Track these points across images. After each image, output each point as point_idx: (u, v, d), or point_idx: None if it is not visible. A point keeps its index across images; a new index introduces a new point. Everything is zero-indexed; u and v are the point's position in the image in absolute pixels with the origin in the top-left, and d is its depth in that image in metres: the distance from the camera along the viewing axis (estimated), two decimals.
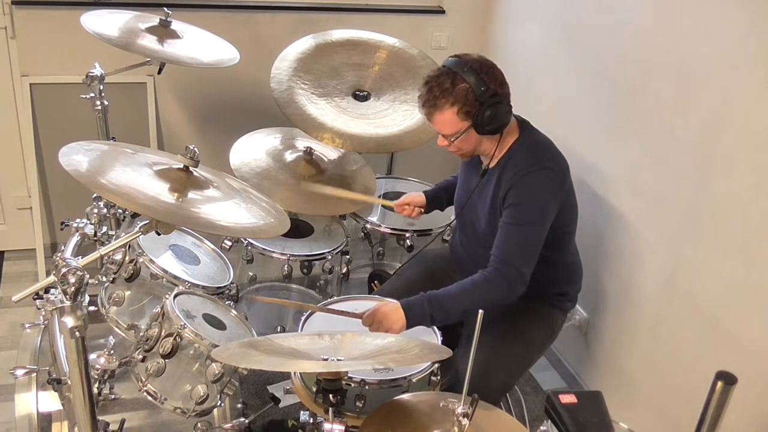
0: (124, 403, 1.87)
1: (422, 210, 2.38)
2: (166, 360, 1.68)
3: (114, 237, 2.12)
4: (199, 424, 1.77)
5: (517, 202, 1.90)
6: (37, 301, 1.76)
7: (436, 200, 2.39)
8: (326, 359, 1.46)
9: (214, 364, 1.67)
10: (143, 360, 1.70)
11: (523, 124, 2.03)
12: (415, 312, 1.85)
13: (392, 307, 1.85)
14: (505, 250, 1.89)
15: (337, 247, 2.47)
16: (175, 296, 1.78)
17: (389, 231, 2.52)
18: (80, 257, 1.40)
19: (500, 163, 1.99)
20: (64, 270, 1.26)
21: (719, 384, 1.09)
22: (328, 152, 2.68)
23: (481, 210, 2.06)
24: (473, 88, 1.85)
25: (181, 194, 1.60)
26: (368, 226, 2.53)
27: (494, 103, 1.87)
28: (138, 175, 1.59)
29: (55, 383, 1.68)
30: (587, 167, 2.56)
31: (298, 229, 2.54)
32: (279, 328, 2.56)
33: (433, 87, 1.88)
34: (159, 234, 1.52)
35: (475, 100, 1.86)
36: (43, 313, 1.87)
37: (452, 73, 1.87)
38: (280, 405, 2.45)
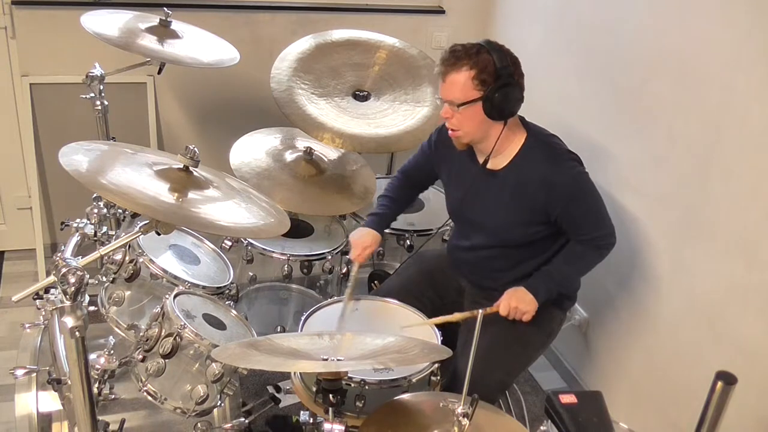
0: (124, 403, 1.86)
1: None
2: (166, 360, 1.68)
3: (114, 237, 2.12)
4: (199, 424, 1.77)
5: (573, 202, 1.97)
6: (37, 301, 1.75)
7: (386, 226, 2.31)
8: (326, 359, 1.46)
9: (214, 364, 1.67)
10: (143, 360, 1.70)
11: (527, 123, 2.03)
12: (541, 291, 2.01)
13: (523, 292, 2.00)
14: (591, 229, 2.03)
15: (337, 247, 2.47)
16: (175, 296, 1.78)
17: (389, 231, 2.51)
18: (80, 257, 1.40)
19: (515, 162, 1.98)
20: (64, 270, 1.26)
21: (719, 384, 1.10)
22: (328, 152, 2.68)
23: (489, 210, 2.05)
24: (496, 62, 1.87)
25: (181, 194, 1.60)
26: None
27: (510, 84, 1.88)
28: (138, 175, 1.59)
29: (55, 383, 1.68)
30: (587, 167, 2.55)
31: (298, 229, 2.54)
32: (279, 328, 2.56)
33: (458, 49, 1.89)
34: (159, 234, 1.52)
35: (494, 73, 1.86)
36: (43, 313, 1.87)
37: (481, 45, 1.89)
38: (280, 405, 2.46)
